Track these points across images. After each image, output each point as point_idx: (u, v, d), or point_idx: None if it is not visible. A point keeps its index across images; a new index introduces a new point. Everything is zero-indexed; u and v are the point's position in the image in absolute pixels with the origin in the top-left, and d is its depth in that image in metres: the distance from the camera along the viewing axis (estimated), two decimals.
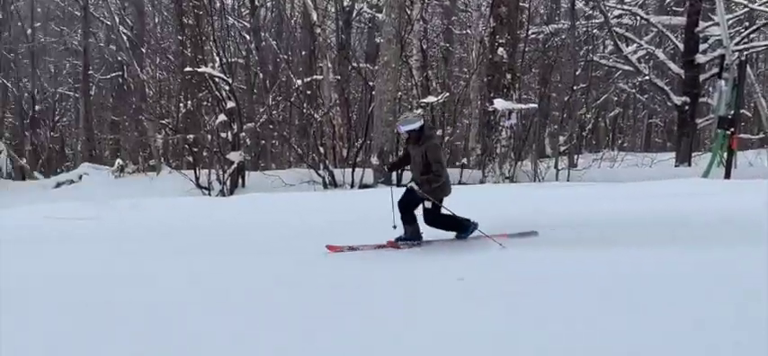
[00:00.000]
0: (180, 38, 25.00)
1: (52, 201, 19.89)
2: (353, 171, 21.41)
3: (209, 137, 23.58)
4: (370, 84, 24.08)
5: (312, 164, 22.52)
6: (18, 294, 7.13)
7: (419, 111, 20.70)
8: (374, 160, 20.09)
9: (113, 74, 35.08)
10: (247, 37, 28.34)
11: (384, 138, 20.03)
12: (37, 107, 34.01)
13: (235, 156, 22.20)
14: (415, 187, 8.98)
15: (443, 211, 9.22)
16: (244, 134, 22.78)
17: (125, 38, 28.21)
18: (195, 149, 24.04)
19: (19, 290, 7.28)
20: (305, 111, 24.31)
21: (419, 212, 9.31)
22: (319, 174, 21.47)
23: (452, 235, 9.41)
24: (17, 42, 33.79)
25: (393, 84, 20.33)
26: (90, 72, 33.77)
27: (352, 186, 20.94)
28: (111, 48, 34.70)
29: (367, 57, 28.95)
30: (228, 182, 22.32)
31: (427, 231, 9.37)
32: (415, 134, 9.04)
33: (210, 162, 23.17)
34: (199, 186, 22.63)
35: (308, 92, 25.00)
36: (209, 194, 21.78)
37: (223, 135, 22.54)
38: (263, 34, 28.89)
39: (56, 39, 36.61)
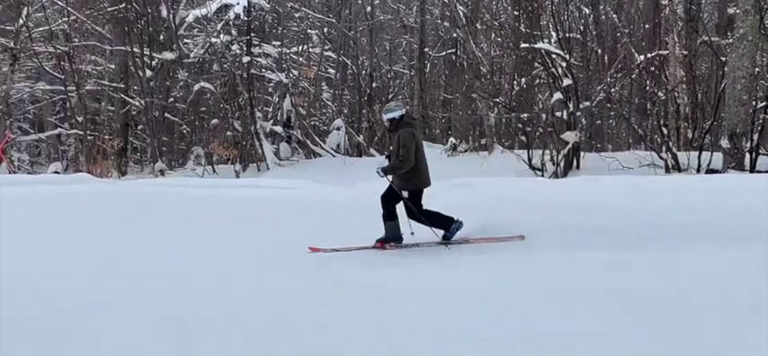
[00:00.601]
0: (515, 13, 25.77)
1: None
2: (700, 154, 20.86)
3: (544, 115, 24.15)
4: (722, 59, 23.19)
5: (653, 145, 22.24)
6: None
7: None
8: (724, 143, 19.42)
9: (447, 51, 36.83)
10: (585, 10, 28.44)
11: (737, 119, 19.28)
12: (374, 85, 36.68)
13: (570, 136, 22.55)
14: (382, 173, 9.53)
15: (426, 207, 9.63)
16: (580, 113, 23.04)
17: (461, 14, 29.55)
18: (528, 128, 24.74)
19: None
20: (647, 88, 24.01)
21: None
22: (661, 157, 21.18)
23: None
24: (357, 20, 36.67)
25: (749, 59, 19.46)
26: (425, 49, 35.79)
27: (697, 170, 20.43)
28: (445, 25, 36.46)
29: (718, 29, 27.75)
30: (562, 164, 22.73)
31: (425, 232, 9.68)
32: (395, 122, 9.58)
33: (544, 141, 23.72)
34: (532, 167, 23.30)
35: (651, 68, 24.65)
36: (542, 175, 22.34)
37: (558, 114, 23.02)
38: (601, 7, 28.82)
39: (392, 16, 39.22)
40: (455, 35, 33.90)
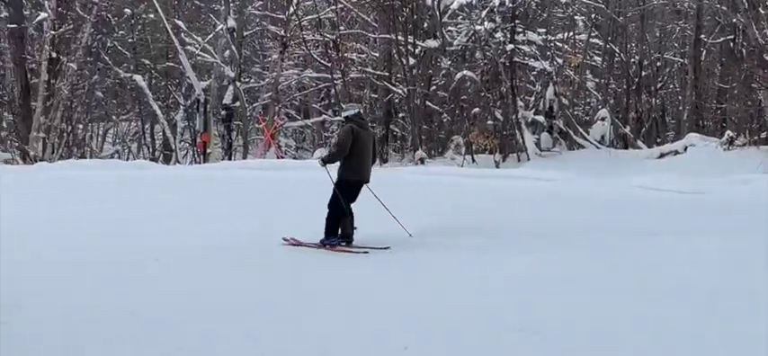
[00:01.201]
0: None
1: (654, 172, 21.40)
2: None
3: None
4: None
5: None
6: None
7: None
8: None
9: (725, 37, 35.41)
10: None
11: None
12: (643, 73, 35.98)
13: None
14: (321, 162, 10.93)
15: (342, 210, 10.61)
16: None
17: None
18: None
19: None
20: None
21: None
22: None
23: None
24: (627, 5, 36.13)
25: None
26: (701, 36, 34.69)
27: None
28: (723, 9, 35.09)
29: None
30: None
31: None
32: (348, 119, 10.80)
33: None
34: None
35: None
36: None
37: None
38: None
39: (665, 1, 38.23)
40: (735, 21, 32.56)
